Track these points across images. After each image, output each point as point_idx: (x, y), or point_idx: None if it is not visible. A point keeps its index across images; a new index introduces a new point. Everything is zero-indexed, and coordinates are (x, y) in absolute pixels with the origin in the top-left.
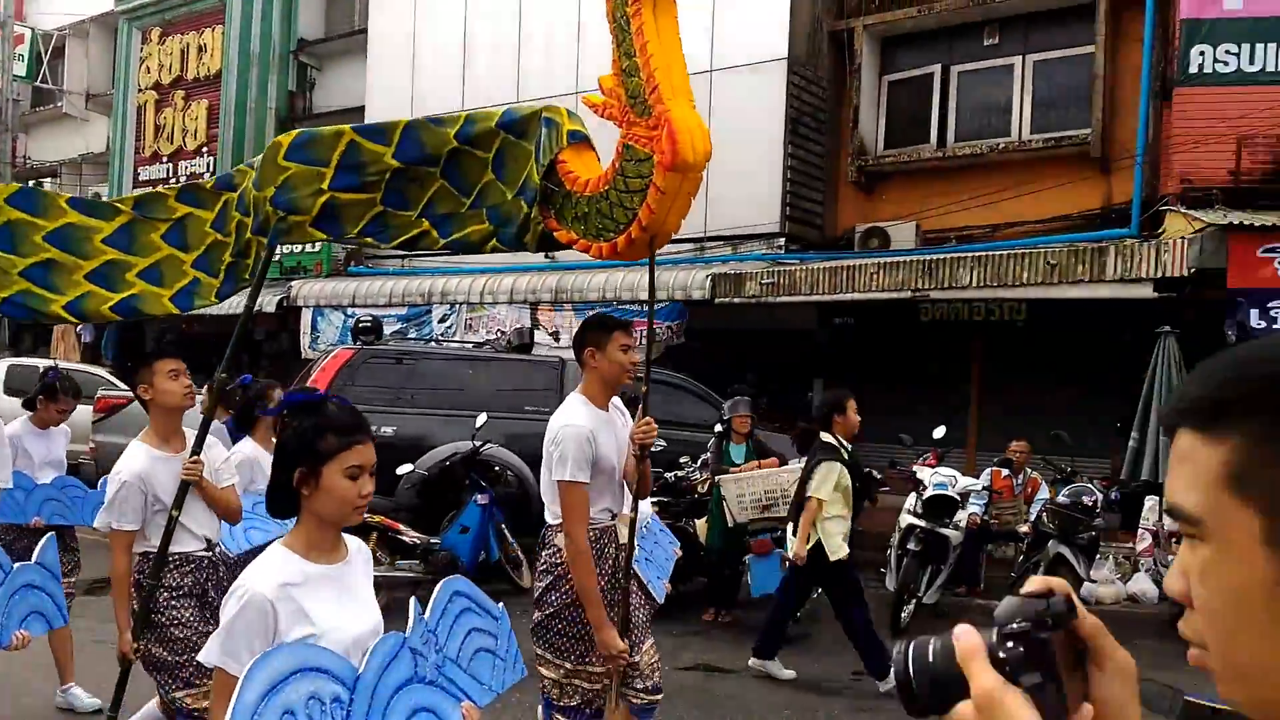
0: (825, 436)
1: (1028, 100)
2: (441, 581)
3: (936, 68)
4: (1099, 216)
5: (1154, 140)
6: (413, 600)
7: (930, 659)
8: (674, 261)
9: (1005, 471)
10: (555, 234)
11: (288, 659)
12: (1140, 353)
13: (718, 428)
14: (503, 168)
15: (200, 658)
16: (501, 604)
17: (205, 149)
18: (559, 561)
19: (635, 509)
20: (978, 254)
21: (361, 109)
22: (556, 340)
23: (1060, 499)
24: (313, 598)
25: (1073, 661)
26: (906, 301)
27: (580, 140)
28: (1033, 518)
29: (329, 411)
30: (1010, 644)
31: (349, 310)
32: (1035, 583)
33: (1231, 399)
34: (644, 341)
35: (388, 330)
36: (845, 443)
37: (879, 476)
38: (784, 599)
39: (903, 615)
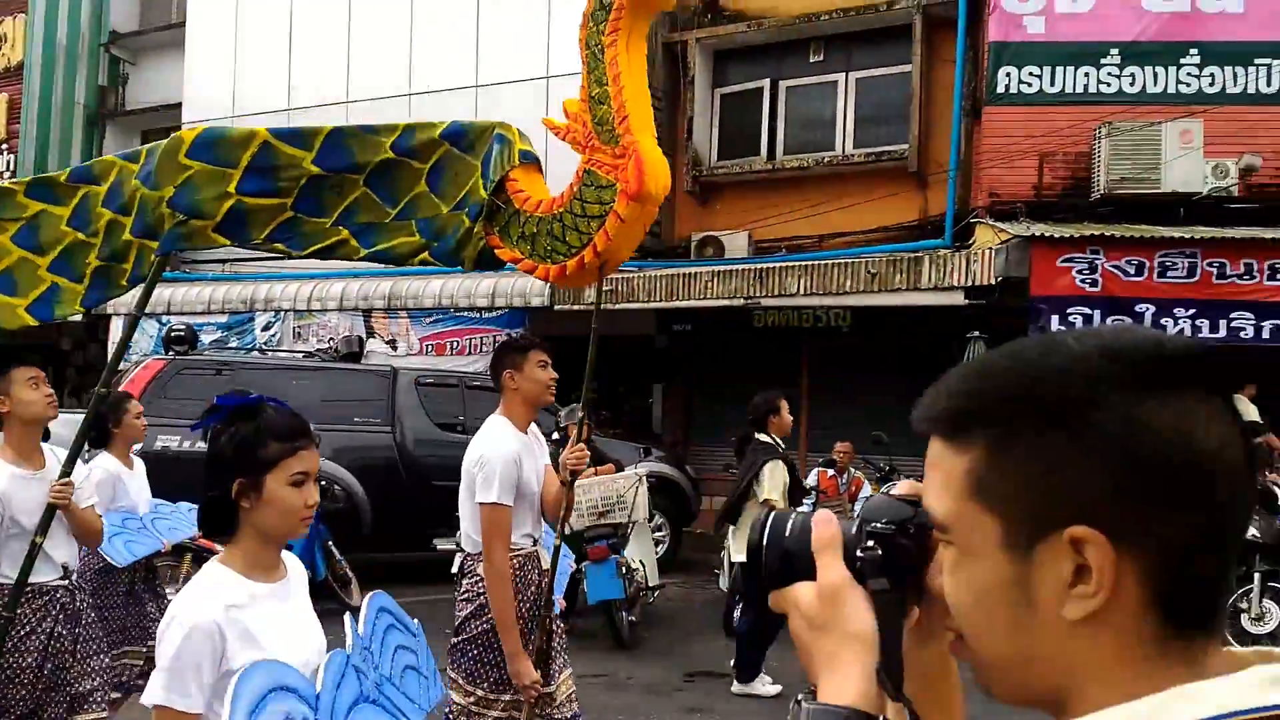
0: (762, 437)
1: (850, 116)
2: (367, 597)
3: (766, 82)
4: (916, 228)
5: (965, 156)
6: (348, 617)
7: (786, 534)
8: (513, 268)
9: (831, 471)
10: (497, 251)
11: (264, 677)
12: (955, 357)
13: (554, 435)
14: (440, 180)
15: (144, 700)
16: (417, 620)
17: (5, 146)
18: (482, 590)
19: (561, 534)
20: (805, 263)
21: (178, 106)
22: (394, 349)
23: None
24: (259, 619)
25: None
26: (740, 309)
27: (531, 161)
28: (856, 515)
29: (268, 415)
30: (871, 543)
31: (164, 318)
32: (905, 486)
33: (973, 409)
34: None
35: (207, 339)
36: (779, 442)
37: (808, 487)
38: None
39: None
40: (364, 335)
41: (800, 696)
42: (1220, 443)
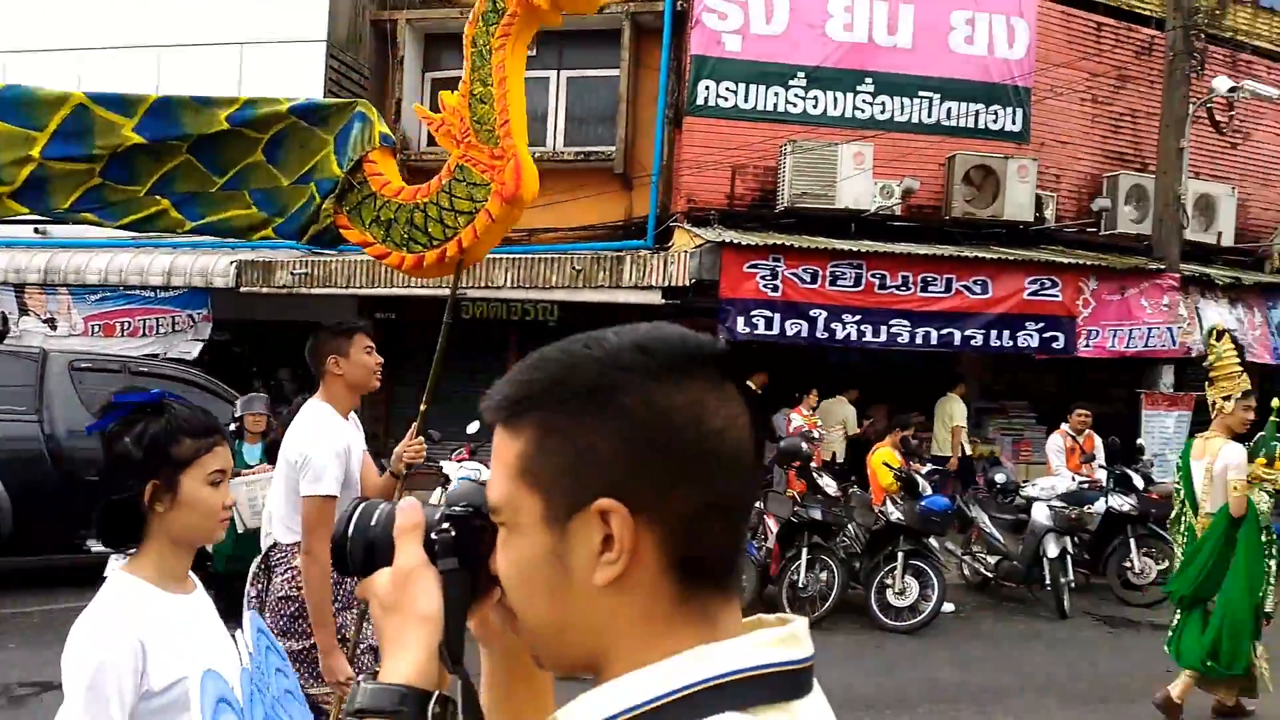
0: None
1: (561, 113)
2: (247, 616)
3: None
4: (621, 228)
5: (668, 162)
6: (239, 634)
7: (372, 524)
8: (194, 245)
9: None
10: (344, 232)
11: (214, 687)
12: None
13: (231, 427)
14: (280, 151)
15: None
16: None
17: None
18: (302, 585)
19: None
20: (513, 256)
21: None
22: (53, 328)
23: None
24: (175, 635)
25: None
26: (448, 298)
27: (389, 144)
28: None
29: (177, 411)
30: (446, 525)
31: None
32: None
33: (526, 396)
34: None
35: None
36: None
37: None
38: None
39: None
40: (14, 312)
41: (361, 678)
42: (726, 423)
